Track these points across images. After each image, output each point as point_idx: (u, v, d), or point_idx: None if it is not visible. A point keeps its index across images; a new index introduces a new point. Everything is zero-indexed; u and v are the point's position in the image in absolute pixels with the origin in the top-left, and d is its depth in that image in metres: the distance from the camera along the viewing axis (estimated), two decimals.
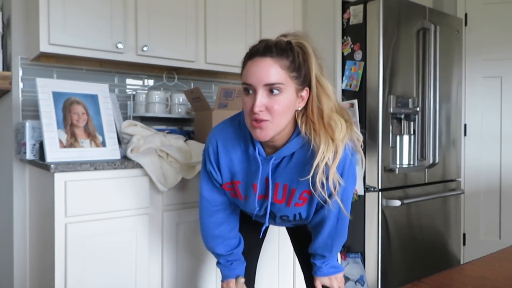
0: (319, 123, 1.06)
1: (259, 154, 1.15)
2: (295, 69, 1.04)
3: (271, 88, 1.02)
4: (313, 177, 1.06)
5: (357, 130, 1.12)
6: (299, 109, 1.09)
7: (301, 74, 1.05)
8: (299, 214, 1.21)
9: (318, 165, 1.04)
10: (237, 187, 1.22)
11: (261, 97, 1.03)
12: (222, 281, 1.33)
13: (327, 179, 1.06)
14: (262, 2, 2.43)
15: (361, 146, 1.14)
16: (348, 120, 1.09)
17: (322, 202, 1.15)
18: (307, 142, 1.09)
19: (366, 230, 2.40)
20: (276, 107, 1.03)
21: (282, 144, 1.13)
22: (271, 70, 1.02)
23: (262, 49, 1.04)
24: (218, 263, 1.36)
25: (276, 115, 1.04)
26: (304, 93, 1.08)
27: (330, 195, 1.09)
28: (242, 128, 1.19)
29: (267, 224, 1.26)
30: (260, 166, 1.16)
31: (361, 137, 1.14)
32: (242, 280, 1.27)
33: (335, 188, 1.07)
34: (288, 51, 1.04)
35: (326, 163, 1.05)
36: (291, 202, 1.19)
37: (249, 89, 1.05)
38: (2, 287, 2.14)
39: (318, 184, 1.06)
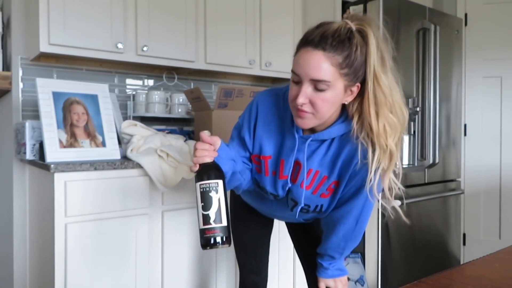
0: (375, 123, 1.00)
1: (296, 131, 1.12)
2: (347, 65, 0.97)
3: (316, 84, 0.98)
4: (370, 182, 1.05)
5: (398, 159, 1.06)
6: (346, 103, 1.04)
7: (355, 70, 0.98)
8: (321, 206, 1.18)
9: (374, 173, 1.03)
10: (266, 162, 1.18)
11: (305, 90, 0.99)
12: None
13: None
14: (262, 2, 2.43)
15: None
16: (402, 124, 1.03)
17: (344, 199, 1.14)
18: (353, 135, 1.05)
19: (366, 230, 2.40)
20: (320, 103, 0.99)
21: (323, 128, 1.10)
22: (321, 66, 0.96)
23: (317, 39, 0.96)
24: None
25: (319, 110, 1.01)
26: (355, 88, 1.02)
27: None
28: (286, 101, 1.16)
29: (302, 205, 1.19)
30: (296, 143, 1.13)
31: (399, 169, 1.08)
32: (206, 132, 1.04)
33: (392, 194, 1.07)
34: (346, 43, 0.96)
35: (382, 168, 1.03)
36: (317, 191, 1.16)
37: (296, 78, 1.01)
38: (2, 287, 2.14)
39: (375, 190, 1.05)
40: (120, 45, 1.94)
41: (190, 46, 2.17)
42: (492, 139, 3.03)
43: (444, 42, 2.63)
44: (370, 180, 1.04)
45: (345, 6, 2.49)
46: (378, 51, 0.98)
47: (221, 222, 0.94)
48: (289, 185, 1.17)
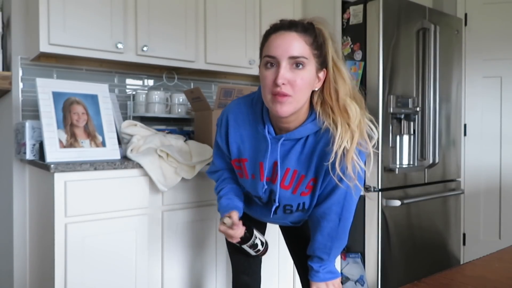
0: (336, 106, 1.07)
1: (268, 132, 1.15)
2: (317, 47, 1.06)
3: (295, 62, 1.03)
4: (333, 163, 1.07)
5: (371, 125, 1.11)
6: (316, 89, 1.10)
7: (321, 54, 1.07)
8: (303, 203, 1.21)
9: (337, 151, 1.06)
10: (244, 165, 1.22)
11: (285, 70, 1.03)
12: (223, 214, 1.25)
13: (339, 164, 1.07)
14: (262, 2, 2.43)
15: (374, 145, 1.11)
16: (362, 108, 1.10)
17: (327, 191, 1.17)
18: (324, 129, 1.09)
19: (366, 230, 2.40)
20: (299, 82, 1.03)
21: (295, 127, 1.13)
22: (297, 44, 1.03)
23: (288, 24, 1.06)
24: (218, 201, 1.31)
25: (298, 90, 1.04)
26: (322, 74, 1.09)
27: (340, 180, 1.09)
28: (254, 105, 1.20)
29: (277, 204, 1.22)
30: (269, 145, 1.15)
31: (375, 135, 1.11)
32: (232, 216, 1.21)
33: (354, 173, 1.08)
34: (311, 30, 1.06)
35: (344, 147, 1.06)
36: (297, 190, 1.18)
37: (271, 62, 1.05)
38: (2, 287, 2.14)
39: (338, 169, 1.07)
40: (120, 45, 1.94)
41: (190, 46, 2.17)
42: (492, 139, 3.03)
43: (444, 42, 2.63)
44: (334, 156, 1.07)
45: (345, 6, 2.50)
46: (333, 43, 1.09)
47: (266, 247, 1.33)
48: (268, 186, 1.20)
